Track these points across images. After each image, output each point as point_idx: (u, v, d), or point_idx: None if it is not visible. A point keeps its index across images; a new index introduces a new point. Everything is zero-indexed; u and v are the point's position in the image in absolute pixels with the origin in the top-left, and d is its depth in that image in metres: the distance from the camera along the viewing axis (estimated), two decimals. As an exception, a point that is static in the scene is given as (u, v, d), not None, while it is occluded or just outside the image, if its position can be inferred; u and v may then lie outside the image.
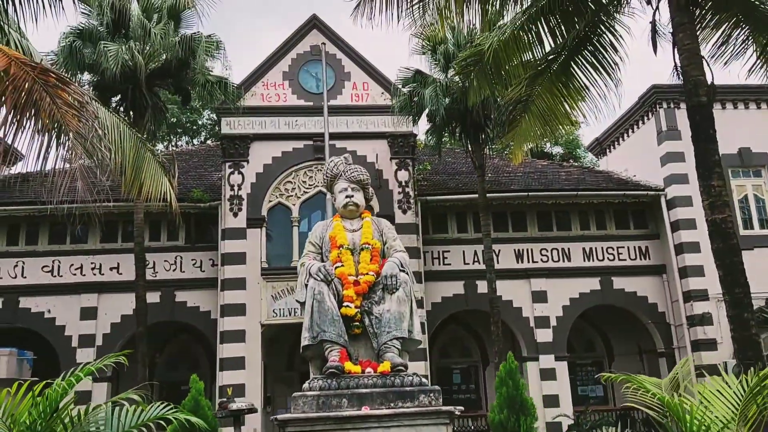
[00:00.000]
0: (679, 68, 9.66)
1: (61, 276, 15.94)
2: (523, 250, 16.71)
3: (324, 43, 16.42)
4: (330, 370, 4.49)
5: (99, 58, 13.75)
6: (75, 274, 15.96)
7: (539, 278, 16.43)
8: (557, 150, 25.98)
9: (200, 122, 24.78)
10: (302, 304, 4.81)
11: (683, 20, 9.27)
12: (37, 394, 3.63)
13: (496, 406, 6.48)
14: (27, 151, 7.23)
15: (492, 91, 12.79)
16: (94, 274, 15.95)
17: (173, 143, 25.27)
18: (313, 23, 16.87)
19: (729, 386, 4.01)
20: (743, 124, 16.29)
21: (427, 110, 14.95)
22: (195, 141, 25.51)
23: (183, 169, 17.23)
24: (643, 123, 17.41)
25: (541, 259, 16.66)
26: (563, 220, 17.04)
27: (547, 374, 15.84)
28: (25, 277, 15.87)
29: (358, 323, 4.76)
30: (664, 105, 16.51)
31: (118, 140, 9.36)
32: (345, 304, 4.73)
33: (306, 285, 4.81)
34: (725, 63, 10.75)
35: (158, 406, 4.01)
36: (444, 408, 4.40)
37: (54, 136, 8.51)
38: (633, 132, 18.04)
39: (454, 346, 18.19)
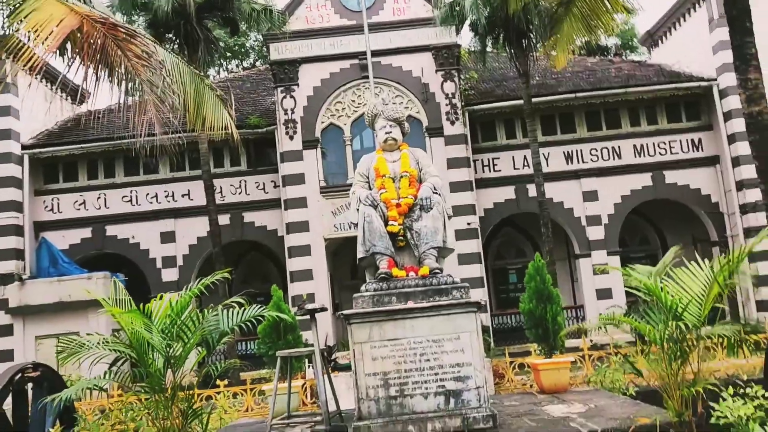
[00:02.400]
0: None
1: (140, 204, 17.95)
2: (572, 151, 17.46)
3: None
4: (381, 275, 5.87)
5: (152, -1, 14.88)
6: (151, 202, 17.93)
7: (590, 177, 17.25)
8: (613, 41, 25.64)
9: (248, 44, 25.75)
10: (357, 225, 6.14)
11: None
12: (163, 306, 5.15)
13: (526, 297, 7.76)
14: (97, 94, 8.72)
15: (533, -5, 13.21)
16: (168, 201, 17.87)
17: (224, 67, 26.49)
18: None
19: (702, 270, 5.10)
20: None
21: (468, 20, 15.48)
22: (244, 63, 26.64)
23: (237, 95, 18.58)
24: (695, 11, 17.28)
25: (591, 159, 17.40)
26: (613, 118, 17.55)
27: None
28: (108, 208, 17.96)
29: (401, 237, 6.07)
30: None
31: (180, 79, 10.72)
32: (390, 222, 6.03)
33: (357, 209, 6.11)
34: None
35: (254, 307, 5.51)
36: (472, 300, 5.73)
37: (127, 85, 10.00)
38: (685, 21, 17.93)
39: (508, 247, 19.51)
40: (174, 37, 15.89)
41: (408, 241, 6.06)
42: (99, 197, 18.02)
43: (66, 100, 19.73)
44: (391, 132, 6.40)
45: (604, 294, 16.79)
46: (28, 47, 8.76)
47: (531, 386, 8.25)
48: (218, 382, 9.37)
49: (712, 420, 4.39)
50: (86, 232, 17.79)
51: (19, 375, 6.13)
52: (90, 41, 9.72)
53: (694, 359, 4.87)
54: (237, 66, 26.82)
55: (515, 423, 5.67)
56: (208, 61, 16.98)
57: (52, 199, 17.92)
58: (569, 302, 17.72)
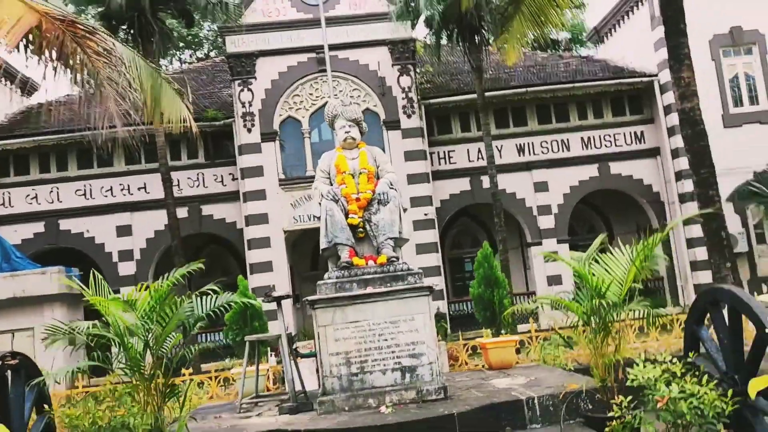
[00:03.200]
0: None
1: (94, 198, 18.13)
2: (524, 143, 18.43)
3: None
4: (343, 264, 6.55)
5: (104, -11, 15.09)
6: (106, 196, 18.14)
7: (540, 169, 18.28)
8: (564, 35, 26.78)
9: (201, 34, 25.90)
10: (317, 217, 6.79)
11: None
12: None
13: (476, 283, 8.57)
14: (50, 87, 9.14)
15: (483, -7, 13.98)
16: (124, 195, 18.11)
17: (177, 57, 26.57)
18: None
19: (623, 255, 5.95)
20: (735, 1, 17.24)
21: (423, 16, 16.20)
22: (198, 53, 26.77)
23: (194, 87, 18.84)
24: (638, 9, 18.43)
25: (542, 151, 18.41)
26: (562, 112, 18.60)
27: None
28: (61, 201, 18.08)
29: (361, 229, 6.75)
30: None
31: (137, 74, 11.13)
32: (350, 215, 6.70)
33: (320, 204, 6.76)
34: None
35: (226, 294, 6.11)
36: (425, 284, 6.47)
37: (86, 81, 10.41)
38: (629, 18, 19.09)
39: (465, 237, 20.44)
40: (128, 29, 16.10)
41: (367, 233, 6.75)
42: (51, 191, 18.11)
43: (15, 92, 19.67)
44: (350, 131, 7.07)
45: (554, 280, 17.85)
46: None
47: (483, 367, 9.08)
48: (183, 370, 9.89)
49: (628, 383, 5.21)
50: (39, 227, 17.88)
51: (1, 362, 6.60)
52: (49, 38, 10.10)
53: (614, 333, 5.70)
54: (191, 56, 26.94)
55: (464, 394, 6.45)
56: (162, 52, 17.26)
57: (3, 193, 17.93)
58: (522, 288, 18.75)
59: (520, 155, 18.37)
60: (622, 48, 19.39)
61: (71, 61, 10.14)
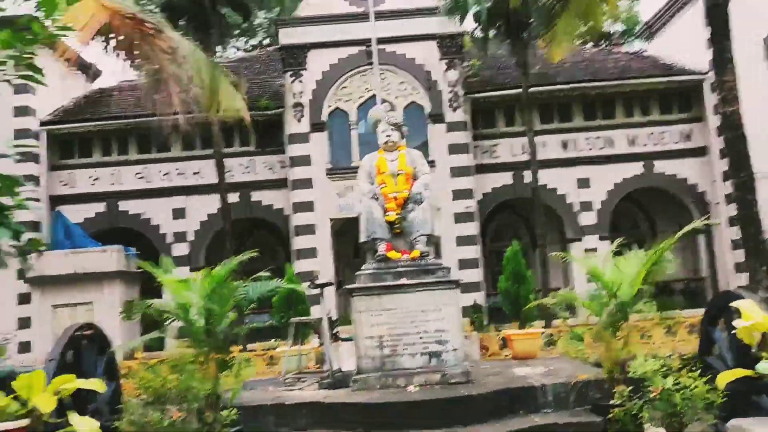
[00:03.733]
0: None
1: (152, 181, 19.44)
2: (568, 139, 18.88)
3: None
4: (379, 257, 7.41)
5: (168, -18, 16.20)
6: (163, 180, 19.41)
7: (584, 165, 18.69)
8: (617, 27, 26.84)
9: (256, 22, 26.96)
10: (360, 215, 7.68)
11: None
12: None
13: (504, 278, 9.31)
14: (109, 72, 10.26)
15: (532, -9, 14.53)
16: (180, 179, 19.35)
17: (232, 45, 27.74)
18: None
19: (637, 256, 6.59)
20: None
21: (471, 11, 16.79)
22: (252, 41, 27.91)
23: (248, 76, 19.92)
24: (691, 5, 18.50)
25: (587, 148, 18.83)
26: (608, 108, 18.94)
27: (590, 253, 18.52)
28: (122, 184, 19.45)
29: (397, 226, 7.60)
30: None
31: (197, 67, 12.16)
32: (388, 213, 7.55)
33: (360, 201, 7.63)
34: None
35: (275, 281, 7.03)
36: (453, 278, 7.27)
37: (150, 71, 11.52)
38: (680, 14, 19.18)
39: (506, 230, 21.02)
40: (188, 21, 17.20)
41: (402, 229, 7.59)
42: (113, 173, 19.49)
43: (80, 77, 21.09)
44: (391, 135, 7.90)
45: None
46: (62, 41, 10.33)
47: (509, 357, 9.84)
48: (232, 347, 10.94)
49: (629, 375, 5.93)
50: (100, 207, 19.29)
51: (77, 332, 7.73)
52: (118, 34, 11.24)
53: (624, 330, 6.38)
54: (245, 43, 28.09)
55: (485, 380, 7.25)
56: (220, 43, 18.36)
57: (68, 174, 19.39)
58: (560, 284, 19.26)
59: (564, 151, 18.83)
60: (673, 44, 19.52)
61: (138, 56, 11.28)
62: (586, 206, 18.69)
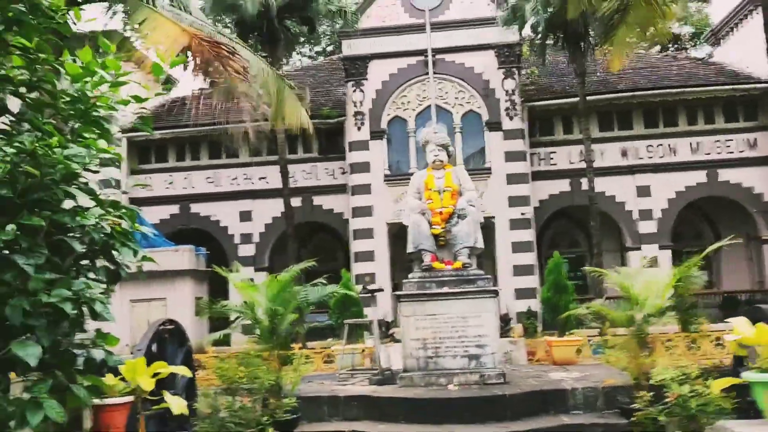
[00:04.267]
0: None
1: (221, 185, 20.93)
2: (628, 147, 19.22)
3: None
4: (425, 267, 8.31)
5: (238, 2, 17.52)
6: (232, 184, 20.87)
7: (644, 173, 18.99)
8: (687, 29, 26.73)
9: (320, 30, 28.31)
10: (407, 227, 8.59)
11: None
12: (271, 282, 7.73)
13: (545, 288, 9.99)
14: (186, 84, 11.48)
15: (590, 3, 15.11)
16: (247, 183, 20.76)
17: (297, 51, 29.15)
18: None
19: (661, 273, 7.23)
20: None
21: (529, 23, 17.42)
22: (317, 48, 29.24)
23: (311, 84, 21.18)
24: (757, 13, 18.48)
25: (647, 155, 19.12)
26: (670, 116, 19.17)
27: (650, 262, 18.79)
28: (194, 187, 21.03)
29: (442, 238, 8.47)
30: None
31: (264, 80, 13.37)
32: (433, 226, 8.44)
33: (409, 215, 8.54)
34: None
35: (330, 286, 8.02)
36: (492, 288, 8.09)
37: (222, 87, 12.73)
38: (747, 21, 19.17)
39: (563, 237, 21.50)
40: (257, 36, 18.54)
41: (447, 241, 8.47)
42: (186, 177, 21.10)
43: (158, 86, 22.83)
44: (438, 155, 8.79)
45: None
46: (155, 62, 11.72)
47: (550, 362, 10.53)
48: (293, 345, 12.04)
49: (651, 382, 6.60)
50: (174, 209, 20.92)
51: (161, 327, 8.96)
52: (197, 57, 12.57)
53: (651, 343, 7.05)
54: (310, 50, 29.44)
55: (521, 382, 8.04)
56: (286, 56, 19.63)
57: (145, 178, 21.11)
58: (617, 293, 19.58)
59: (623, 158, 19.17)
60: (740, 50, 19.53)
61: (213, 74, 12.60)
62: (646, 215, 18.97)
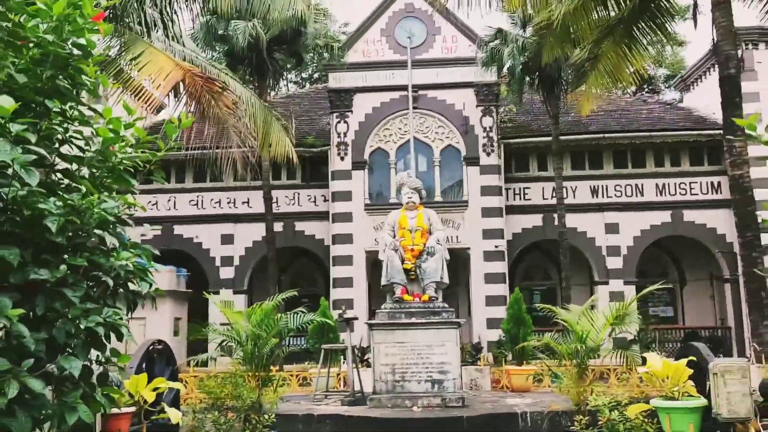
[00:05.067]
0: (715, 41, 13.15)
1: (204, 208, 21.92)
2: (598, 186, 20.57)
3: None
4: (396, 299, 9.41)
5: (229, 33, 18.67)
6: (215, 207, 21.88)
7: (612, 211, 20.33)
8: (662, 71, 28.35)
9: (306, 58, 29.62)
10: (382, 261, 9.70)
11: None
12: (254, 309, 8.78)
13: (506, 321, 11.11)
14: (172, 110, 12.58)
15: (563, 51, 16.49)
16: (230, 207, 21.79)
17: (283, 78, 30.38)
18: (406, -19, 20.77)
19: (609, 310, 8.40)
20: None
21: (507, 65, 18.77)
22: (303, 74, 30.49)
23: (296, 113, 22.35)
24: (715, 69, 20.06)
25: (615, 194, 20.47)
26: (638, 158, 20.58)
27: (616, 297, 19.90)
28: (177, 209, 22.00)
29: (413, 273, 9.58)
30: (743, 46, 19.12)
31: (252, 111, 14.51)
32: (405, 262, 9.55)
33: (383, 251, 9.65)
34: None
35: (309, 314, 9.07)
36: (455, 320, 9.19)
37: (217, 127, 13.81)
38: (714, 71, 20.70)
39: (536, 270, 22.74)
40: (246, 66, 19.69)
41: (416, 276, 9.58)
42: (169, 199, 22.07)
43: (147, 110, 23.84)
44: (411, 197, 9.94)
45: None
46: (149, 91, 12.84)
47: (507, 389, 11.63)
48: (272, 367, 13.01)
49: (588, 407, 7.73)
50: (157, 230, 21.80)
51: (151, 347, 9.93)
52: (190, 91, 13.68)
53: (589, 371, 8.17)
54: (296, 75, 30.68)
55: (479, 406, 9.12)
56: (273, 85, 20.81)
57: (130, 198, 22.02)
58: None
59: (593, 197, 20.51)
60: (706, 97, 21.04)
61: (204, 106, 13.71)
62: (614, 251, 20.27)
